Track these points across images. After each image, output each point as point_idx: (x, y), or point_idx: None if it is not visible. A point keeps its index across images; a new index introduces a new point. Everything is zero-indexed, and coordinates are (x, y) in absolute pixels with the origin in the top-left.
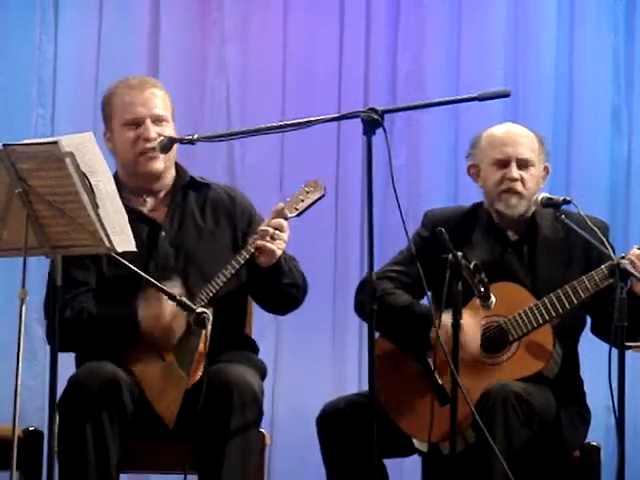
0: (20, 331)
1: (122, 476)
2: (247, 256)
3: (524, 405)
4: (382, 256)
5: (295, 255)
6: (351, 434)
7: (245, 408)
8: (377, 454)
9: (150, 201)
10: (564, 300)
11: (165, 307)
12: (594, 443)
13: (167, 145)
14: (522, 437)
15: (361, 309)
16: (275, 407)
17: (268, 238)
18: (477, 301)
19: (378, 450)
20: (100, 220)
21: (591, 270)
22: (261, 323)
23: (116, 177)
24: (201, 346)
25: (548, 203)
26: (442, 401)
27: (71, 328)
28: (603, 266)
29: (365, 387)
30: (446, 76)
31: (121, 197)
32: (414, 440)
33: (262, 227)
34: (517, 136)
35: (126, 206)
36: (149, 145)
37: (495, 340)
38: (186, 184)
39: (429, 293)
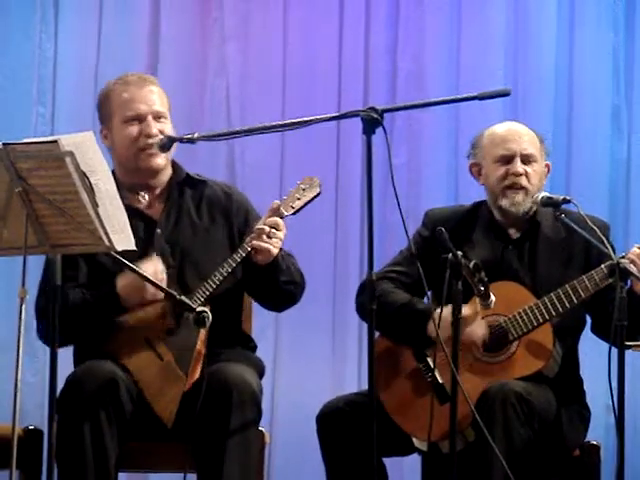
0: (20, 330)
1: (121, 475)
2: (243, 254)
3: (524, 404)
4: (382, 255)
5: (295, 254)
6: (351, 433)
7: (244, 407)
8: (377, 453)
9: (146, 198)
10: (564, 299)
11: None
12: (594, 442)
13: (167, 144)
14: (522, 436)
15: (362, 310)
16: (275, 406)
17: (264, 237)
18: (477, 300)
19: (378, 449)
20: (100, 219)
21: (591, 269)
22: (261, 322)
23: (112, 175)
24: (200, 345)
25: (548, 202)
26: (442, 400)
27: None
28: (603, 265)
29: (365, 386)
30: (446, 75)
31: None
32: (414, 439)
33: (258, 226)
34: (519, 133)
35: (123, 204)
36: (150, 141)
37: (495, 339)
38: (182, 181)
39: (429, 292)
